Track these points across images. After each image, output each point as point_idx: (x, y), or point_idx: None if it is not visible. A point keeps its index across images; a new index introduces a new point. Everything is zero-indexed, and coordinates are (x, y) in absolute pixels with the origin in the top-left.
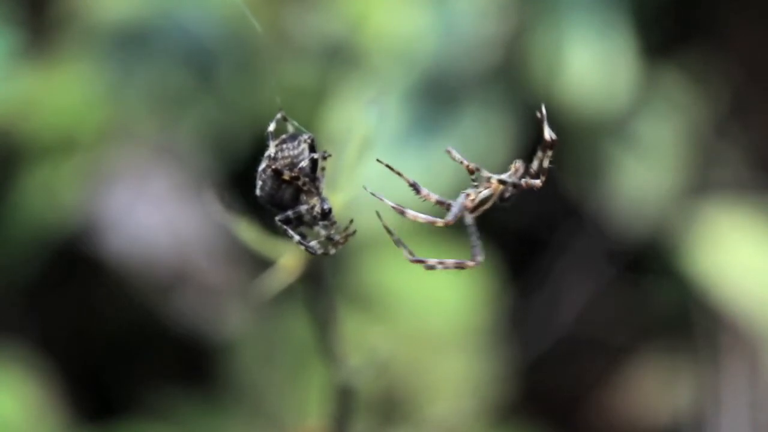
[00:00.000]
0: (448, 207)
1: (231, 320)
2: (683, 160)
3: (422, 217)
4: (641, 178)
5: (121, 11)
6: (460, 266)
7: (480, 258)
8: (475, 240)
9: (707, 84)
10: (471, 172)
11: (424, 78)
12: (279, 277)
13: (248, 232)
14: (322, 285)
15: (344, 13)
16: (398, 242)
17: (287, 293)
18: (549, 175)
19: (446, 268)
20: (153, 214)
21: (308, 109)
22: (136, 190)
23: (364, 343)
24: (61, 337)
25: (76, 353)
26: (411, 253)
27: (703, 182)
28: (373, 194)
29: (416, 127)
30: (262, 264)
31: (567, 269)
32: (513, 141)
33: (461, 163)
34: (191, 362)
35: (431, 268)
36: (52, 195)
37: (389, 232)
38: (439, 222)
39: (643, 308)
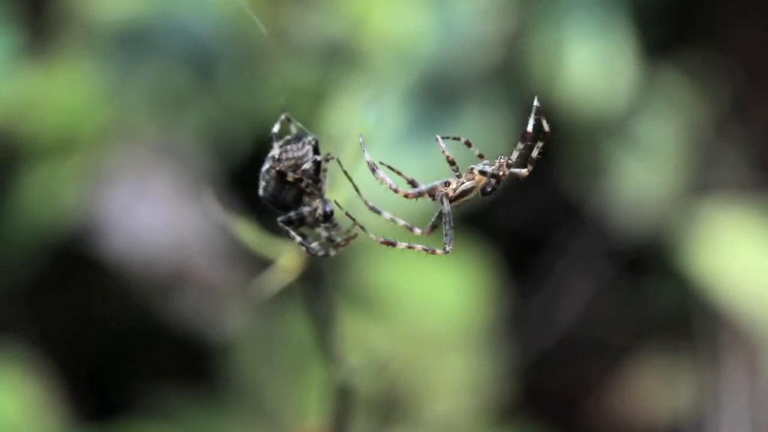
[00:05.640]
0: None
1: (231, 320)
2: (683, 160)
3: (388, 181)
4: (641, 178)
5: (121, 11)
6: (427, 251)
7: (449, 247)
8: (449, 229)
9: (707, 84)
10: (451, 162)
11: (424, 78)
12: (279, 277)
13: (248, 232)
14: (322, 285)
15: (344, 13)
16: (363, 228)
17: (287, 293)
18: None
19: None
20: (153, 214)
21: (308, 108)
22: (136, 190)
23: (364, 343)
24: (61, 337)
25: (76, 353)
26: (377, 237)
27: (703, 182)
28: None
29: (416, 126)
30: (262, 264)
31: (567, 269)
32: (513, 140)
33: (443, 152)
34: (191, 362)
35: (391, 244)
36: (52, 195)
37: (351, 219)
38: (401, 192)
39: (643, 308)
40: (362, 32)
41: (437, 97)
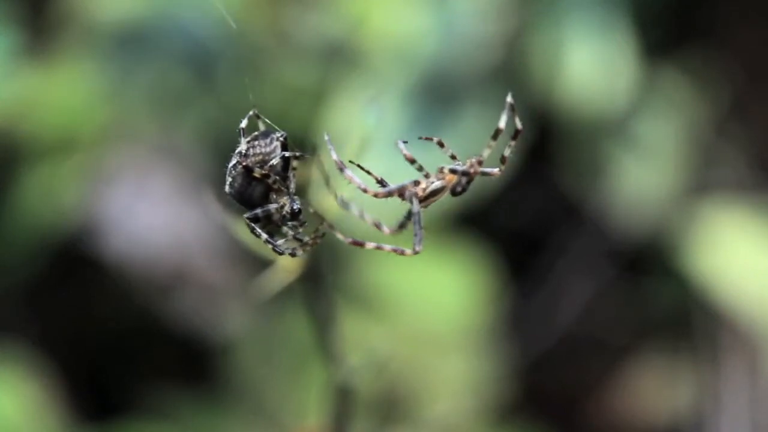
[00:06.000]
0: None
1: (231, 320)
2: (683, 160)
3: (357, 180)
4: (641, 178)
5: (121, 11)
6: (396, 252)
7: (419, 248)
8: (418, 229)
9: (707, 84)
10: (411, 162)
11: (424, 78)
12: (279, 277)
13: (247, 232)
14: (322, 285)
15: (344, 13)
16: (331, 226)
17: (287, 293)
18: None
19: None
20: (153, 214)
21: (308, 108)
22: (136, 190)
23: (364, 343)
24: (61, 337)
25: (76, 353)
26: (346, 237)
27: (703, 182)
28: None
29: (416, 126)
30: (262, 264)
31: (567, 269)
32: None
33: (410, 159)
34: (191, 362)
35: (359, 244)
36: (52, 195)
37: (322, 217)
38: (370, 191)
39: (643, 308)
40: (362, 32)
41: (437, 97)
